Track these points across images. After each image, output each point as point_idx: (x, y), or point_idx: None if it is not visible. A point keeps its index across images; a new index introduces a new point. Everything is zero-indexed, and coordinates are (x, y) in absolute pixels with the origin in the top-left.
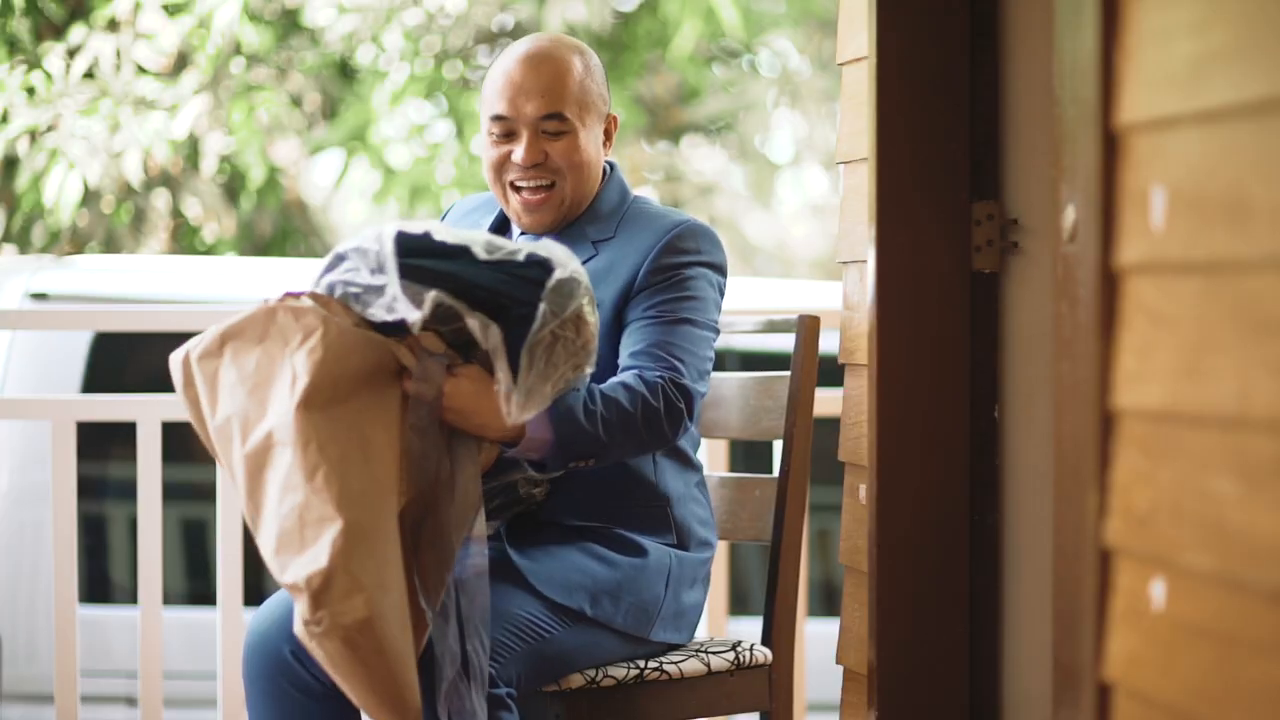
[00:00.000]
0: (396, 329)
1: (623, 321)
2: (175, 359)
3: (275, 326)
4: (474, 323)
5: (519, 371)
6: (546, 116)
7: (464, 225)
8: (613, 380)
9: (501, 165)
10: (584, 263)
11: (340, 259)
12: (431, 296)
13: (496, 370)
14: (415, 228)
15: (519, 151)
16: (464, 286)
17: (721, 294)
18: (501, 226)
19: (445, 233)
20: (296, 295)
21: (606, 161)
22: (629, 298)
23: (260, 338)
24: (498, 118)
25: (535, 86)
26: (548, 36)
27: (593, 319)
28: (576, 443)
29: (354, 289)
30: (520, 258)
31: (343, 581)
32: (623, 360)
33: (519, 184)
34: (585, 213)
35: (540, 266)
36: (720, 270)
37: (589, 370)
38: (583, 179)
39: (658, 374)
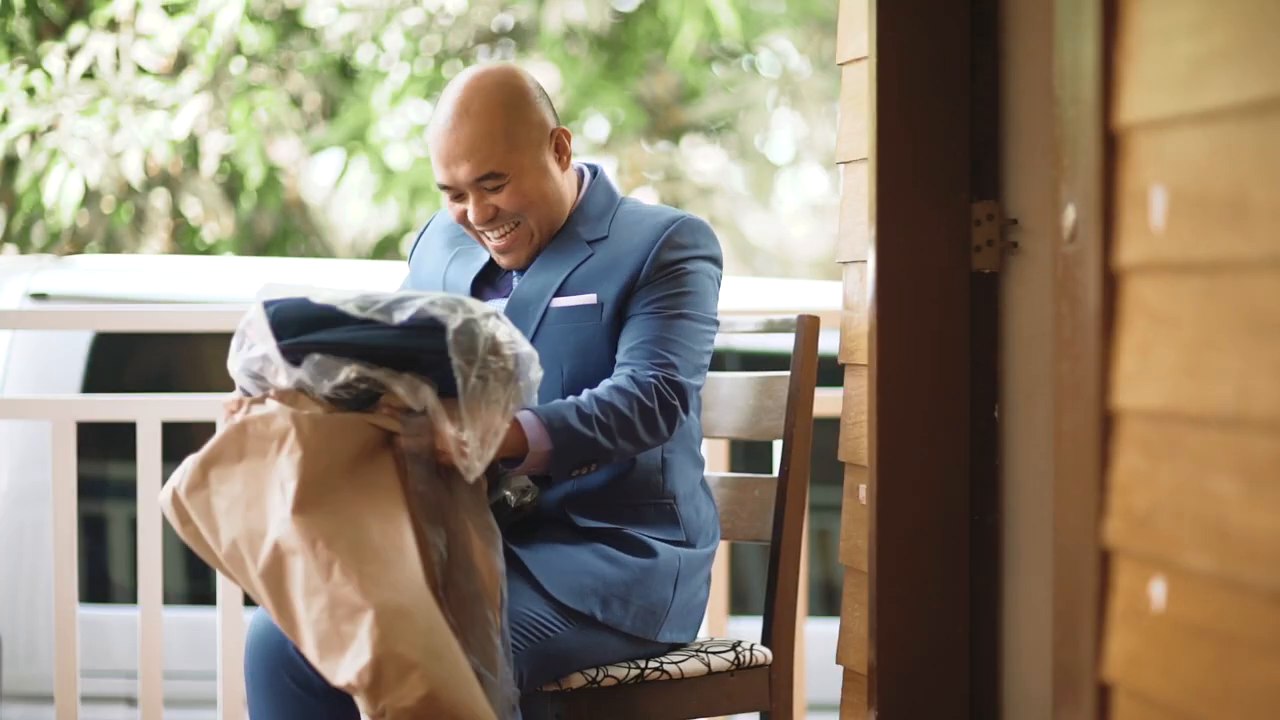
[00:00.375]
0: (356, 403)
1: (624, 316)
2: (165, 500)
3: (249, 440)
4: (401, 389)
5: (464, 423)
6: (480, 178)
7: (449, 240)
8: (606, 383)
9: (463, 220)
10: (582, 263)
11: (244, 338)
12: (345, 372)
13: (441, 428)
14: (285, 293)
15: (470, 211)
16: (366, 351)
17: (719, 284)
18: None
19: (319, 295)
20: (262, 400)
21: (588, 166)
22: (629, 294)
23: (239, 455)
24: (442, 186)
25: (459, 153)
26: (468, 83)
27: (506, 335)
28: (576, 451)
29: (271, 366)
30: (405, 318)
31: (392, 667)
32: (619, 356)
33: (484, 234)
34: (574, 215)
35: (431, 323)
36: (717, 263)
37: (535, 375)
38: (544, 210)
39: (651, 373)
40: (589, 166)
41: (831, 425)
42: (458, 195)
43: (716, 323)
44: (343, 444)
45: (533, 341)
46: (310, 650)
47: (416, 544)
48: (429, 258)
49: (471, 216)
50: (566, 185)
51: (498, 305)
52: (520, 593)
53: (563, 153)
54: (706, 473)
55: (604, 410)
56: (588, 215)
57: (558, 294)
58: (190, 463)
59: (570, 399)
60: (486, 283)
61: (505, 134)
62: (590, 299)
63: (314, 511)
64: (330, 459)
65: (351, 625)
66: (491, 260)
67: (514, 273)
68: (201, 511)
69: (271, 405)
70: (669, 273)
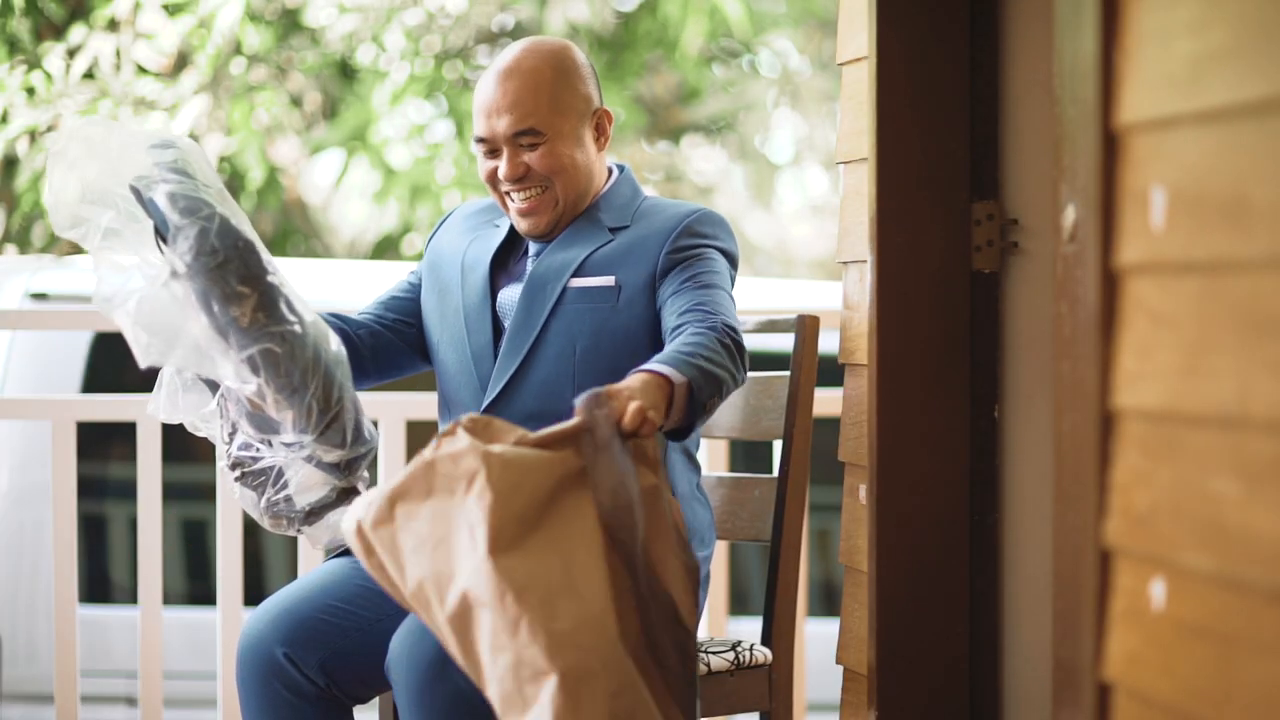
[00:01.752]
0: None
1: (655, 301)
2: (349, 529)
3: (438, 478)
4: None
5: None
6: (519, 133)
7: (469, 227)
8: (680, 337)
9: (492, 179)
10: (600, 247)
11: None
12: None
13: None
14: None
15: (501, 167)
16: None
17: (732, 281)
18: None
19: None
20: (452, 431)
21: (616, 165)
22: (654, 280)
23: (426, 493)
24: (479, 139)
25: (504, 104)
26: (525, 45)
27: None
28: (706, 383)
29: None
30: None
31: None
32: (671, 324)
33: (510, 195)
34: (598, 202)
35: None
36: (732, 259)
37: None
38: (572, 181)
39: (710, 322)
40: (616, 165)
41: (831, 425)
42: (492, 151)
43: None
44: (536, 482)
45: (548, 320)
46: (495, 704)
47: (611, 587)
48: (449, 244)
49: (502, 173)
50: (598, 166)
51: (514, 289)
52: None
53: (601, 133)
54: (706, 473)
55: (695, 345)
56: (611, 204)
57: (576, 274)
58: (377, 495)
59: (660, 354)
60: (500, 266)
61: (551, 95)
62: (608, 281)
63: (507, 557)
64: (525, 500)
65: (535, 688)
66: (505, 241)
67: (527, 257)
68: (387, 546)
69: (461, 440)
70: (688, 254)
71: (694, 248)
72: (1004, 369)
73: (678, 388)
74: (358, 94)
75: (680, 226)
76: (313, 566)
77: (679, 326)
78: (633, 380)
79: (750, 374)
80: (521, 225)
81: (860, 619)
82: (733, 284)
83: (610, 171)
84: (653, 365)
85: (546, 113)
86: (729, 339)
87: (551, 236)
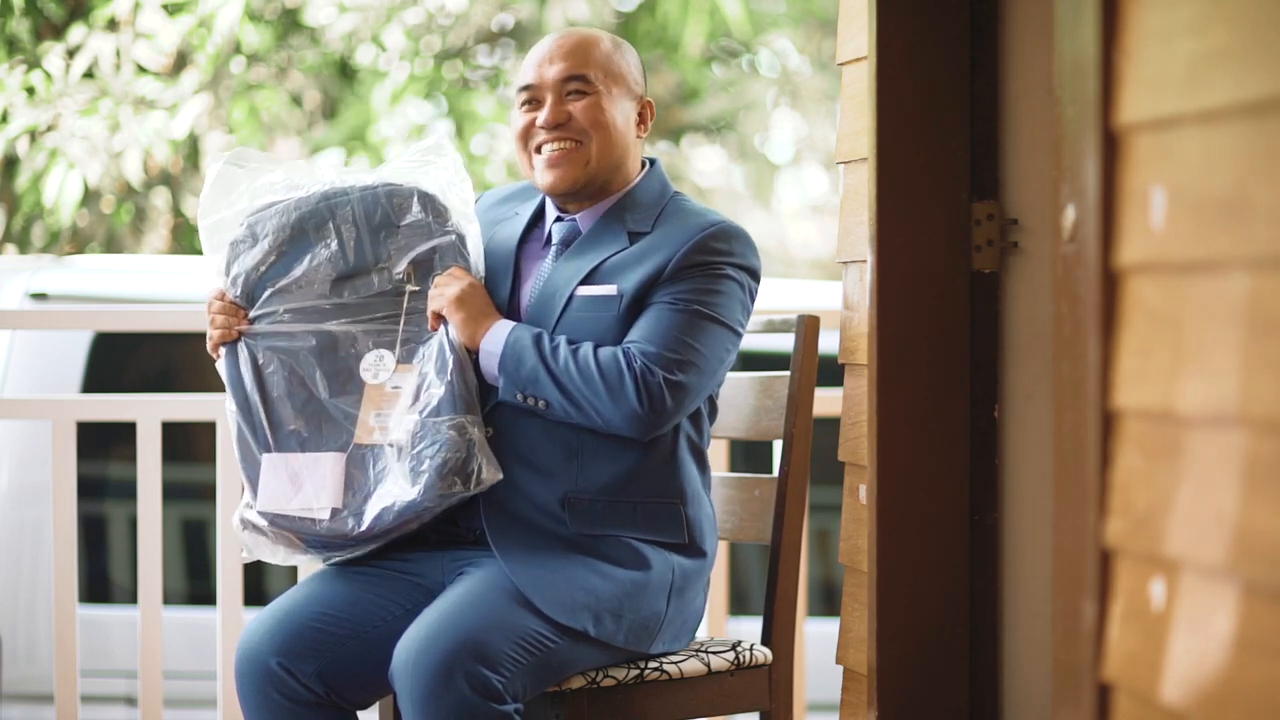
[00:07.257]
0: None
1: (641, 306)
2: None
3: None
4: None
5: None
6: (569, 78)
7: (495, 214)
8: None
9: (528, 132)
10: (617, 252)
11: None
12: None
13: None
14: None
15: (542, 115)
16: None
17: (752, 298)
18: (539, 215)
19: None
20: None
21: (647, 159)
22: (650, 287)
23: None
24: (524, 87)
25: (559, 53)
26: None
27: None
28: (521, 369)
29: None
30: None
31: None
32: (629, 336)
33: (543, 146)
34: (625, 199)
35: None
36: (753, 274)
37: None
38: (608, 142)
39: (642, 359)
40: (647, 159)
41: (831, 425)
42: (533, 102)
43: (738, 333)
44: None
45: (555, 327)
46: None
47: None
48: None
49: (542, 119)
50: (635, 150)
51: (535, 281)
52: (515, 609)
53: (643, 122)
54: None
55: (571, 351)
56: (638, 202)
57: (585, 281)
58: None
59: (553, 337)
60: (522, 249)
61: (607, 58)
62: (611, 290)
63: None
64: None
65: None
66: (528, 227)
67: (540, 258)
68: None
69: None
70: (696, 271)
71: (704, 265)
72: (1004, 369)
73: (485, 352)
74: (357, 93)
75: (693, 242)
76: (310, 572)
77: (627, 343)
78: (477, 303)
79: (750, 374)
80: (546, 178)
81: (860, 619)
82: (752, 297)
83: (641, 165)
84: (517, 325)
85: (601, 70)
86: (638, 378)
87: (574, 202)
